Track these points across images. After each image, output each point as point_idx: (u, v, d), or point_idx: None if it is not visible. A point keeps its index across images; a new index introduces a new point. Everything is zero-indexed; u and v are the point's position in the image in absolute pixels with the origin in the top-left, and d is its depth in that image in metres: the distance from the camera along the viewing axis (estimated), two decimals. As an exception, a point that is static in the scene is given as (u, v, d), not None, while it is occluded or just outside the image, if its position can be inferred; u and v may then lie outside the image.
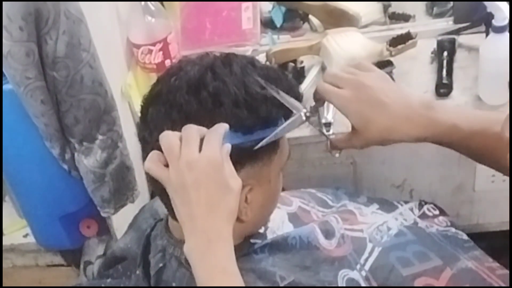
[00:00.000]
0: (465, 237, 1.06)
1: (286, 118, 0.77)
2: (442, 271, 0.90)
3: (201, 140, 0.69)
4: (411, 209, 1.08)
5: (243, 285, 0.70)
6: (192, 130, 0.69)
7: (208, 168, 0.67)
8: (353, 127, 0.81)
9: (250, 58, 0.79)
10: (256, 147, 0.74)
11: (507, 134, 0.64)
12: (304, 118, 0.77)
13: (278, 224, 0.94)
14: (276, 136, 0.75)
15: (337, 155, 0.87)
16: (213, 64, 0.75)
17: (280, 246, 0.86)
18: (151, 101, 0.77)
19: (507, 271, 0.96)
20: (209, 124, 0.71)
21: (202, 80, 0.74)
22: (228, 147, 0.69)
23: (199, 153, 0.67)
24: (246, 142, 0.73)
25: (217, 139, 0.69)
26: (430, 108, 0.79)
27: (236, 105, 0.72)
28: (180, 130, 0.70)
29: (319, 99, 0.83)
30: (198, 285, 0.69)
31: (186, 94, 0.73)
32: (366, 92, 0.79)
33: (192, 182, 0.67)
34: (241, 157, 0.74)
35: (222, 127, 0.70)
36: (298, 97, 0.80)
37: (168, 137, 0.69)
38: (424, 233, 0.98)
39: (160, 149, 0.70)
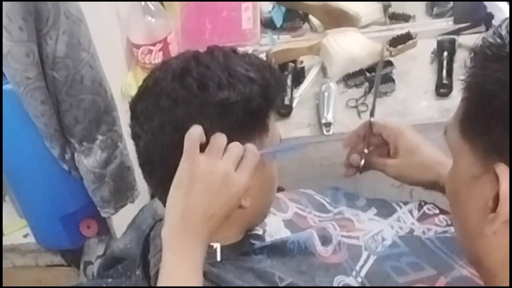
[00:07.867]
0: (465, 236, 1.06)
1: (269, 100, 0.79)
2: (436, 280, 0.90)
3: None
4: (411, 211, 1.07)
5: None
6: (239, 149, 0.73)
7: (234, 190, 0.72)
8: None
9: (231, 47, 0.81)
10: None
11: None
12: None
13: (275, 229, 0.94)
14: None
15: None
16: (196, 54, 0.78)
17: (278, 249, 0.87)
18: (138, 97, 0.79)
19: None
20: (196, 108, 0.73)
21: (186, 68, 0.75)
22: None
23: (236, 172, 0.73)
24: (234, 123, 0.74)
25: (253, 165, 0.74)
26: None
27: (221, 87, 0.74)
28: (169, 118, 0.74)
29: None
30: (161, 268, 0.71)
31: (171, 82, 0.75)
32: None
33: (216, 189, 0.71)
34: (232, 139, 0.74)
35: (257, 152, 0.74)
36: (279, 80, 0.81)
37: (222, 137, 0.73)
38: (418, 243, 0.98)
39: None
